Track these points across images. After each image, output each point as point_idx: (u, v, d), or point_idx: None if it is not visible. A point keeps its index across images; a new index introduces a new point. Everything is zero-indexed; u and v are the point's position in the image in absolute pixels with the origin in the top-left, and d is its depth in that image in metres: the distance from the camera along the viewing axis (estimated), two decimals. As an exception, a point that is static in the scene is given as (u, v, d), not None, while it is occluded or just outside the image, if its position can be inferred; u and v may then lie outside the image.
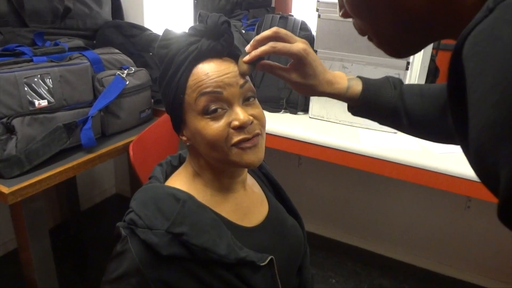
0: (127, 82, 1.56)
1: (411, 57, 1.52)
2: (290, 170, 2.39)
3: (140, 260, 0.68)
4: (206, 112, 0.70)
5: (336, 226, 2.42)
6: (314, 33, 1.75)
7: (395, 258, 2.28)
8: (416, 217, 2.19)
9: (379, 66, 1.56)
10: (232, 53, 0.75)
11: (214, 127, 0.70)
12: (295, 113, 1.84)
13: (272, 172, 0.97)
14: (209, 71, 0.70)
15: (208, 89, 0.69)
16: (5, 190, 1.20)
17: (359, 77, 0.80)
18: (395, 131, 1.63)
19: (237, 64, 0.73)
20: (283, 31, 0.73)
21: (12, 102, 1.26)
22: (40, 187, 1.28)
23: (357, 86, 0.77)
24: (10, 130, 1.26)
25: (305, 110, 1.83)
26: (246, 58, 0.73)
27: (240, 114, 0.70)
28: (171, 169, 0.86)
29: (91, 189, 2.58)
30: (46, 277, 1.47)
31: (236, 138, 0.71)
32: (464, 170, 1.39)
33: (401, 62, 1.53)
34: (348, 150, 1.55)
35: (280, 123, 1.72)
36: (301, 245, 0.90)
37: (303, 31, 1.81)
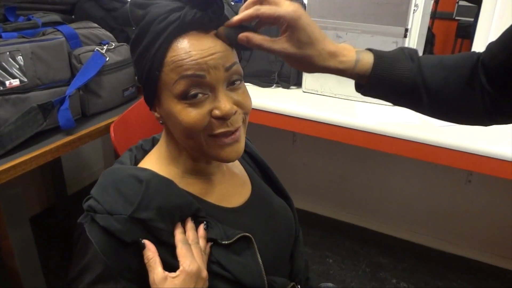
0: (107, 58, 1.46)
1: (409, 23, 1.42)
2: (284, 148, 2.31)
3: (102, 249, 0.61)
4: (185, 97, 0.61)
5: (333, 204, 2.36)
6: (305, 0, 1.65)
7: (394, 235, 2.23)
8: (415, 193, 2.13)
9: (375, 34, 1.47)
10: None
11: (192, 114, 0.61)
12: (287, 87, 1.75)
13: (258, 151, 0.89)
14: (192, 49, 0.60)
15: (188, 72, 0.60)
16: (-24, 176, 1.12)
17: (369, 49, 0.67)
18: (393, 104, 1.55)
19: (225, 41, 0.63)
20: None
21: (-20, 82, 1.17)
22: (15, 172, 1.19)
23: (368, 59, 0.64)
24: (-21, 113, 1.17)
25: (298, 84, 1.74)
26: (227, 23, 0.62)
27: (223, 103, 0.62)
28: (142, 153, 0.77)
29: (78, 172, 2.50)
30: (29, 265, 1.41)
31: (218, 130, 0.63)
32: (466, 144, 1.33)
33: (399, 29, 1.43)
34: (344, 126, 1.47)
35: (272, 99, 1.63)
36: (291, 227, 0.83)
37: (294, -1, 1.70)
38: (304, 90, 1.69)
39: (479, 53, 0.68)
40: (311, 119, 1.53)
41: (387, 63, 0.65)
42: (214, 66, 0.61)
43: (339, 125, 1.47)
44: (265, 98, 1.62)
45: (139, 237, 0.61)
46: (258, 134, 0.72)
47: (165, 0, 0.62)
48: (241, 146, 0.67)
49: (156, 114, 0.69)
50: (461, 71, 0.66)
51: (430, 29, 1.73)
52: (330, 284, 0.90)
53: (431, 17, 1.79)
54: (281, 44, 0.62)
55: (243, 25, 0.63)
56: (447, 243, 2.14)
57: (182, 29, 0.61)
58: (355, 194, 2.28)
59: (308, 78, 1.66)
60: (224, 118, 0.62)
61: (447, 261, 2.09)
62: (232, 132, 0.64)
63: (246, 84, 0.69)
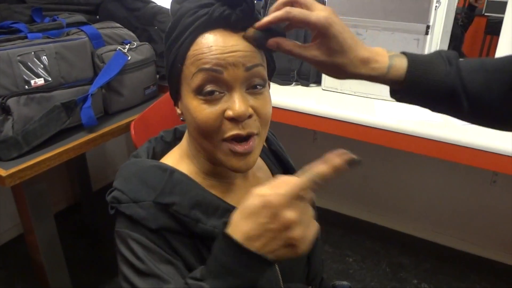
0: (129, 58, 1.49)
1: (431, 20, 1.40)
2: (305, 146, 2.30)
3: (135, 232, 0.61)
4: (200, 92, 0.60)
5: (354, 203, 2.33)
6: (326, -2, 1.64)
7: (415, 235, 2.19)
8: (438, 192, 2.09)
9: (396, 31, 1.45)
10: (248, 28, 0.62)
11: (206, 111, 0.60)
12: (307, 85, 1.74)
13: (283, 149, 0.86)
14: (214, 44, 0.59)
15: (206, 66, 0.59)
16: (3, 172, 1.15)
17: (404, 52, 0.63)
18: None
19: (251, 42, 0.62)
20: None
21: (7, 81, 1.20)
22: (40, 168, 1.23)
23: (402, 64, 0.61)
24: (6, 111, 1.21)
25: (318, 81, 1.73)
26: (256, 24, 0.61)
27: (237, 103, 0.59)
28: (163, 145, 0.77)
29: (103, 169, 2.55)
30: (53, 260, 1.45)
31: (230, 132, 0.61)
32: (491, 143, 1.29)
33: (421, 26, 1.41)
34: (364, 124, 1.45)
35: (292, 97, 1.62)
36: None
37: (314, -3, 1.69)
38: (324, 88, 1.68)
39: None
40: (330, 117, 1.51)
41: (422, 67, 0.61)
42: (233, 63, 0.59)
43: (359, 123, 1.46)
44: (285, 96, 1.62)
45: (165, 224, 0.60)
46: (278, 132, 0.72)
47: None
48: (253, 159, 0.64)
49: (178, 110, 0.69)
50: (504, 75, 0.62)
51: (459, 25, 1.68)
52: (345, 283, 0.89)
53: (459, 13, 1.74)
54: (311, 51, 0.60)
55: (272, 28, 0.62)
56: (470, 244, 2.09)
57: (209, 25, 0.60)
58: (377, 193, 2.25)
59: (327, 76, 1.65)
60: (236, 120, 0.60)
61: (470, 262, 2.05)
62: (243, 138, 0.62)
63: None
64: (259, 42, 0.61)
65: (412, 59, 0.62)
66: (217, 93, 0.60)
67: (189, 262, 0.62)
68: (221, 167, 0.68)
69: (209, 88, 0.60)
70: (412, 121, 1.41)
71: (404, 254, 2.08)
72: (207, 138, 0.62)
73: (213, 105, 0.60)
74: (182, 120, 0.69)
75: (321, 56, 0.60)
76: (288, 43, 0.61)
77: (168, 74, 0.66)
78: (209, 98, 0.60)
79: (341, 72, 0.62)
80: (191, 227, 0.61)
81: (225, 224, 0.54)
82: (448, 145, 1.35)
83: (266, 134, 0.67)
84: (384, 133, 1.44)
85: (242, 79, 0.60)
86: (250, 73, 0.61)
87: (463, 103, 0.62)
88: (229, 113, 0.60)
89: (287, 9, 0.58)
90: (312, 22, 0.57)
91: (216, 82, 0.60)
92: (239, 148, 0.61)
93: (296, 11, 0.58)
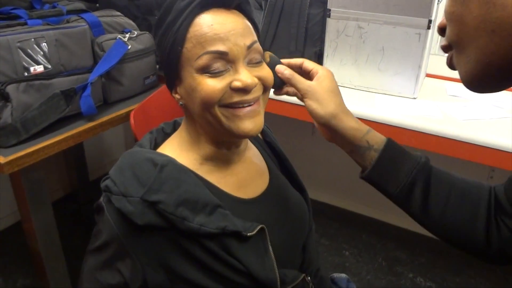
0: (129, 47, 1.47)
1: (433, 14, 1.39)
2: (303, 139, 2.30)
3: (118, 228, 0.62)
4: (206, 71, 0.62)
5: (351, 196, 2.34)
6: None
7: (412, 229, 2.20)
8: (435, 187, 2.09)
9: (398, 25, 1.44)
10: (241, 6, 0.66)
11: (211, 83, 0.62)
12: (307, 78, 1.73)
13: (278, 141, 0.88)
14: (214, 22, 0.62)
15: (212, 48, 0.62)
16: (1, 159, 1.15)
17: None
18: (415, 96, 1.52)
19: (245, 19, 0.67)
20: (308, 63, 0.72)
21: (6, 67, 1.19)
22: (38, 156, 1.23)
23: (379, 136, 0.72)
24: (5, 98, 1.20)
25: (318, 75, 1.73)
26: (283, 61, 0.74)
27: (244, 75, 0.63)
28: (163, 136, 0.78)
29: (100, 158, 2.55)
30: (50, 248, 1.45)
31: (233, 99, 0.63)
32: (488, 138, 1.30)
33: (423, 21, 1.40)
34: (363, 118, 1.45)
35: (292, 89, 1.62)
36: (305, 221, 0.82)
37: (316, -11, 1.68)
38: (324, 81, 1.67)
39: (490, 185, 0.71)
40: (330, 110, 1.51)
41: (398, 147, 0.71)
42: (235, 42, 0.63)
43: (359, 117, 1.41)
44: (285, 88, 1.61)
45: (151, 221, 0.62)
46: (277, 125, 0.74)
47: None
48: (261, 119, 0.67)
49: (176, 96, 0.69)
50: (470, 197, 0.69)
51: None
52: (343, 275, 0.90)
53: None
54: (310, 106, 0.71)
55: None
56: (466, 239, 2.10)
57: (205, 6, 0.63)
58: (374, 187, 2.26)
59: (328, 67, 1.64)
60: (244, 90, 0.63)
61: (466, 257, 2.06)
62: (249, 104, 0.65)
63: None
64: (274, 62, 0.72)
65: (389, 140, 0.71)
66: (223, 69, 0.63)
67: (174, 259, 0.64)
68: (224, 149, 0.71)
69: (215, 66, 0.62)
70: (411, 116, 1.41)
71: (400, 248, 2.10)
72: (210, 109, 0.64)
73: (218, 79, 0.63)
74: (181, 105, 0.70)
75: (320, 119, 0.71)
76: (295, 80, 0.71)
77: (166, 60, 0.66)
78: (215, 74, 0.63)
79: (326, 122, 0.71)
80: (177, 225, 0.62)
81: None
82: (446, 140, 1.36)
83: (267, 100, 0.71)
84: (383, 127, 1.43)
85: (244, 55, 0.64)
86: (250, 50, 0.65)
87: (417, 198, 0.70)
88: (237, 84, 0.63)
89: (291, 73, 0.71)
90: (319, 116, 0.69)
91: (221, 61, 0.63)
92: (245, 111, 0.65)
93: (308, 102, 0.70)
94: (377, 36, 1.49)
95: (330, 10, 1.54)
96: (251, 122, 0.65)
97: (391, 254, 2.07)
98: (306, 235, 0.83)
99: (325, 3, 1.62)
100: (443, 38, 0.52)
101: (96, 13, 1.50)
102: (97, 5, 1.77)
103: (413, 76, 1.49)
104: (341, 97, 0.72)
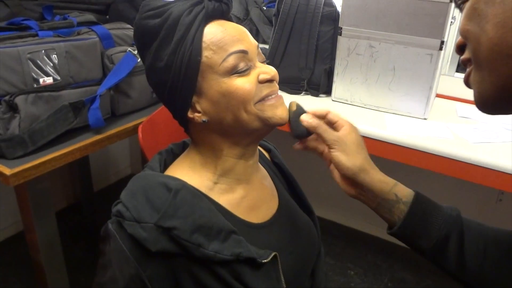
0: (139, 60, 1.47)
1: (446, 36, 1.38)
2: (309, 157, 2.28)
3: (132, 254, 0.61)
4: (234, 72, 0.65)
5: (357, 215, 2.31)
6: (339, 8, 1.62)
7: (419, 250, 2.16)
8: (443, 208, 2.07)
9: (409, 45, 1.43)
10: (230, 17, 0.71)
11: (244, 82, 0.65)
12: (316, 95, 1.73)
13: (285, 162, 0.88)
14: (223, 28, 0.66)
15: (234, 49, 0.65)
16: (7, 171, 1.14)
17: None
18: (426, 116, 1.51)
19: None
20: (333, 115, 0.71)
21: (16, 78, 1.19)
22: (45, 168, 1.21)
23: (406, 189, 0.70)
24: (13, 109, 1.19)
25: (328, 92, 1.72)
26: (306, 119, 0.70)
27: (265, 67, 0.68)
28: (173, 158, 0.77)
29: (105, 170, 2.54)
30: (53, 259, 1.43)
31: (265, 92, 0.67)
32: (498, 161, 1.28)
33: (435, 41, 1.39)
34: (373, 137, 1.44)
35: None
36: (315, 245, 0.81)
37: (327, 6, 1.68)
38: (334, 99, 1.67)
39: None
40: (339, 128, 1.49)
41: (426, 199, 0.69)
42: (249, 42, 0.68)
43: (368, 136, 1.44)
44: (293, 105, 1.60)
45: (164, 248, 0.60)
46: (283, 142, 0.74)
47: (180, 1, 0.66)
48: (286, 108, 0.71)
49: (196, 115, 0.68)
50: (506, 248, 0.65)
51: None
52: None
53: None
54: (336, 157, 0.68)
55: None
56: (474, 262, 2.06)
57: (209, 17, 0.66)
58: (380, 206, 2.23)
59: (338, 87, 1.63)
60: (271, 81, 0.68)
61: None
62: (275, 94, 0.69)
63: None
64: (299, 111, 0.71)
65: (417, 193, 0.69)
66: (247, 68, 0.66)
67: (185, 285, 0.63)
68: (242, 163, 0.71)
69: (241, 65, 0.65)
70: (422, 137, 1.39)
71: (407, 270, 2.06)
72: (248, 107, 0.65)
73: (247, 77, 0.66)
74: (204, 122, 0.67)
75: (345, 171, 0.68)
76: (322, 130, 0.69)
77: (180, 77, 0.65)
78: (244, 72, 0.66)
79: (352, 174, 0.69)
80: (192, 251, 0.61)
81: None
82: (456, 162, 1.34)
83: None
84: (393, 147, 1.42)
85: (257, 54, 0.70)
86: (259, 50, 0.71)
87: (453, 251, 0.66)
88: (265, 76, 0.67)
89: (318, 123, 0.69)
90: (345, 168, 0.67)
91: (244, 60, 0.66)
92: (275, 99, 0.69)
93: (322, 129, 0.69)
94: (388, 55, 1.48)
95: (341, 28, 1.53)
96: (282, 109, 0.69)
97: (396, 275, 2.03)
98: (315, 257, 0.81)
99: (336, 20, 1.61)
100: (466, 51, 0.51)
101: (107, 26, 1.51)
102: (107, 17, 1.78)
103: (423, 97, 1.47)
104: (367, 151, 0.70)
